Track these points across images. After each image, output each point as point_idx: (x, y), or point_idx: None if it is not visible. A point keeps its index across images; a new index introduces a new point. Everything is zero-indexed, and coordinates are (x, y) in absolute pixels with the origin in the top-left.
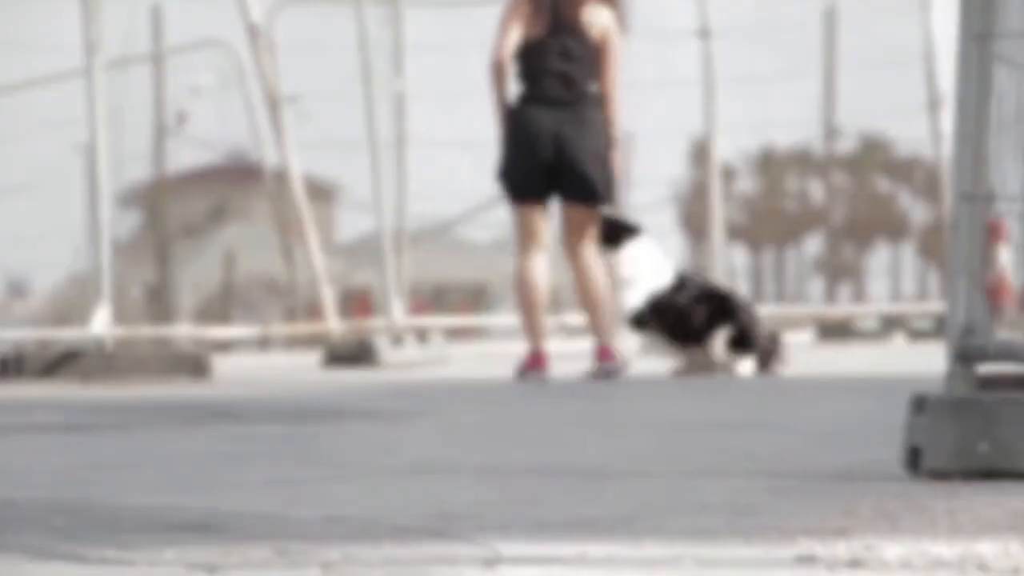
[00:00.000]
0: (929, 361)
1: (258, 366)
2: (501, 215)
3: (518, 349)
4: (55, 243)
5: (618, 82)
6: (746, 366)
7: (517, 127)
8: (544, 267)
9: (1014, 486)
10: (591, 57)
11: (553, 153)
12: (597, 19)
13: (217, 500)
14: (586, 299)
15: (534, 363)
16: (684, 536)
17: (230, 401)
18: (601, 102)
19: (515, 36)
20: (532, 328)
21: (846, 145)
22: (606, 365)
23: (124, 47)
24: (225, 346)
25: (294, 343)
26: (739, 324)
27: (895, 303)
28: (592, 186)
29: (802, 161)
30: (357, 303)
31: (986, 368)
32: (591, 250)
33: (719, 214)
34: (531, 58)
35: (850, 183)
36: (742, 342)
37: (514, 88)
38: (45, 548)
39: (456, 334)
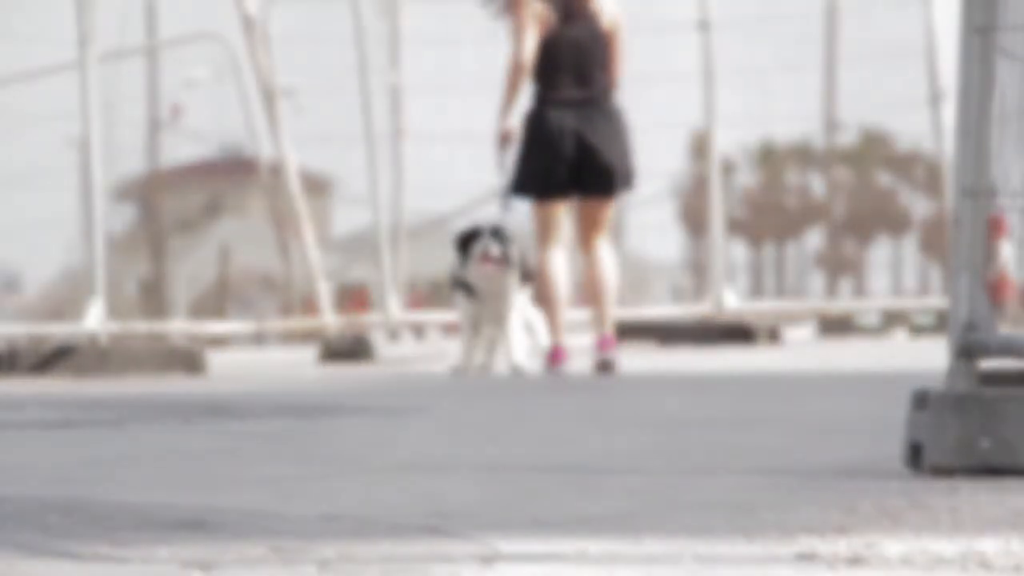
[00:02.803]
0: (930, 357)
1: (253, 362)
2: (499, 210)
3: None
4: (48, 237)
5: (624, 71)
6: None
7: (537, 129)
8: (564, 262)
9: (1016, 483)
10: (603, 47)
11: (576, 151)
12: (607, 7)
13: (212, 497)
14: (595, 290)
15: (554, 358)
16: (684, 533)
17: (225, 397)
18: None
19: (532, 36)
20: (553, 323)
21: (847, 139)
22: (607, 354)
23: (118, 40)
24: (220, 341)
25: (290, 338)
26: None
27: (896, 298)
28: (614, 179)
29: (802, 155)
30: (355, 298)
31: (988, 364)
32: (606, 243)
33: (719, 208)
34: (545, 56)
35: (851, 177)
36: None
37: (528, 87)
38: (38, 546)
39: (453, 329)
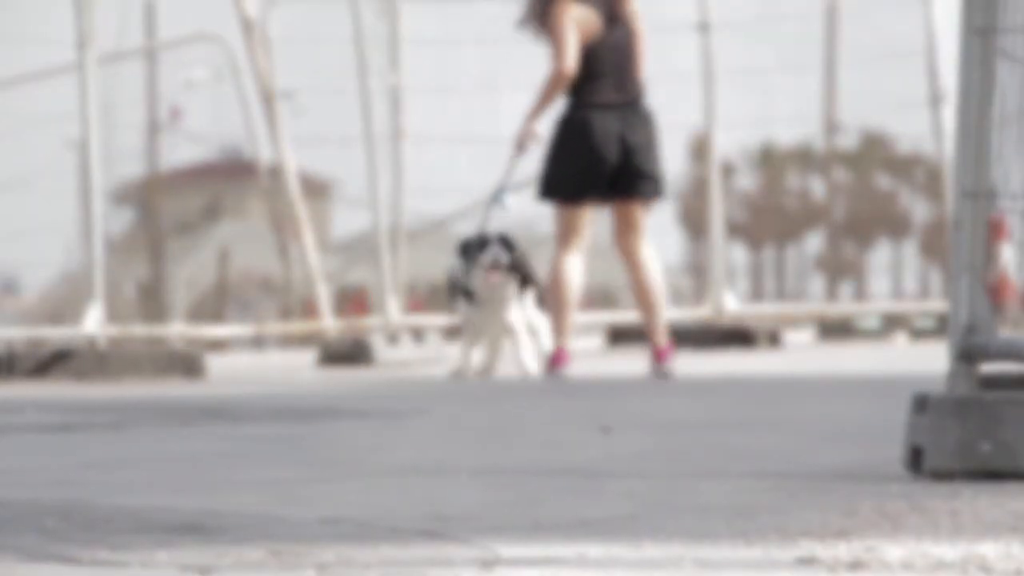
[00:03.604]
0: (931, 360)
1: (253, 365)
2: (499, 212)
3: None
4: (47, 240)
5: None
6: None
7: (580, 134)
8: (581, 267)
9: (1016, 486)
10: (635, 49)
11: (620, 156)
12: (637, 8)
13: (211, 501)
14: (644, 299)
15: (556, 361)
16: (684, 537)
17: (224, 400)
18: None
19: (575, 42)
20: (560, 326)
21: (847, 141)
22: (664, 367)
23: (117, 41)
24: (219, 345)
25: (289, 342)
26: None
27: (896, 301)
28: (657, 183)
29: (803, 157)
30: (354, 301)
31: (988, 367)
32: (647, 247)
33: (719, 211)
34: (586, 61)
35: (851, 180)
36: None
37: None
38: (37, 549)
39: (453, 333)
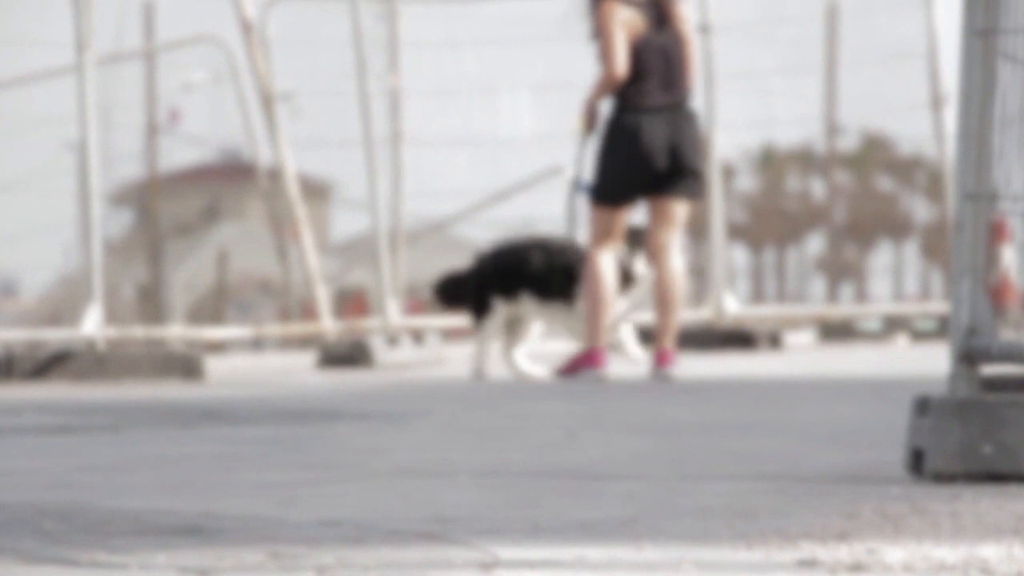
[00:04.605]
0: (932, 362)
1: (252, 367)
2: (498, 213)
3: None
4: (46, 242)
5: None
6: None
7: (627, 139)
8: (613, 265)
9: (1018, 488)
10: (684, 50)
11: (669, 160)
12: (685, 11)
13: (210, 503)
14: (662, 298)
15: (592, 361)
16: (684, 539)
17: (223, 402)
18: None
19: (624, 46)
20: (600, 324)
21: (848, 143)
22: (666, 371)
23: (115, 43)
24: (218, 347)
25: (288, 344)
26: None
27: (898, 303)
28: (700, 182)
29: (803, 159)
30: (354, 303)
31: (990, 369)
32: (678, 248)
33: (719, 213)
34: (634, 63)
35: (852, 182)
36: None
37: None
38: (36, 552)
39: (452, 335)
